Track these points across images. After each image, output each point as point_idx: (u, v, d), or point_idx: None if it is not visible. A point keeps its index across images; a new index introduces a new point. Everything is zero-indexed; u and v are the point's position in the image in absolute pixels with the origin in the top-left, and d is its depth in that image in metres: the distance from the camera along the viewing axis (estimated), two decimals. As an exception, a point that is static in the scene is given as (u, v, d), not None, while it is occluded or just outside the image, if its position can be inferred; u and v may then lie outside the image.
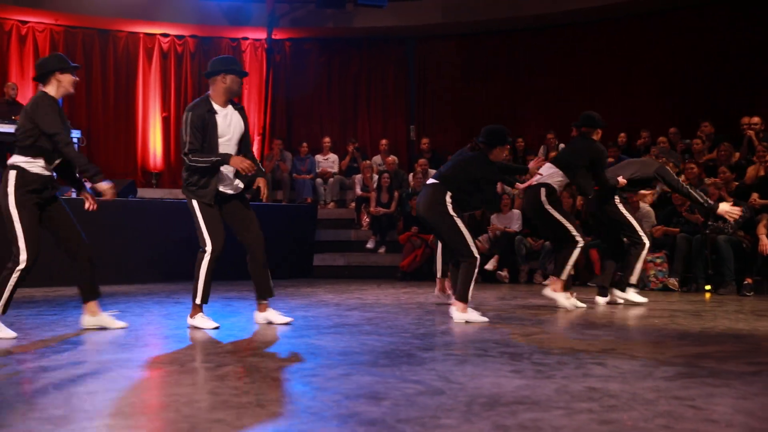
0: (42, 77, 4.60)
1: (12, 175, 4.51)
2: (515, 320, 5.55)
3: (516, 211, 9.99)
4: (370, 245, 11.06)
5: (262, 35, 13.57)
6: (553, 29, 12.98)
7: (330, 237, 11.40)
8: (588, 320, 5.60)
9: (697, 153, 10.06)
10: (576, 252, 6.31)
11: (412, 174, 11.73)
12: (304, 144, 12.89)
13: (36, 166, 4.56)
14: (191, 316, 4.97)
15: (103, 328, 4.81)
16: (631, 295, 6.78)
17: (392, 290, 8.28)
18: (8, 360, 3.75)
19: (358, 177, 12.06)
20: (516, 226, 9.83)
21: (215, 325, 4.93)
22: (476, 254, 5.33)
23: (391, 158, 12.16)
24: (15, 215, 4.47)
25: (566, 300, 6.32)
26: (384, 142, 12.82)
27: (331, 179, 12.45)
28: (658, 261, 8.48)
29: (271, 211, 10.66)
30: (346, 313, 6.02)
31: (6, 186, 4.49)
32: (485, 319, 5.35)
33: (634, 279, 6.75)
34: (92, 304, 4.83)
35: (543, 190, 6.28)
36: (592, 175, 6.43)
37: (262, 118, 13.60)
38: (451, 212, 5.31)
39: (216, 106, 4.88)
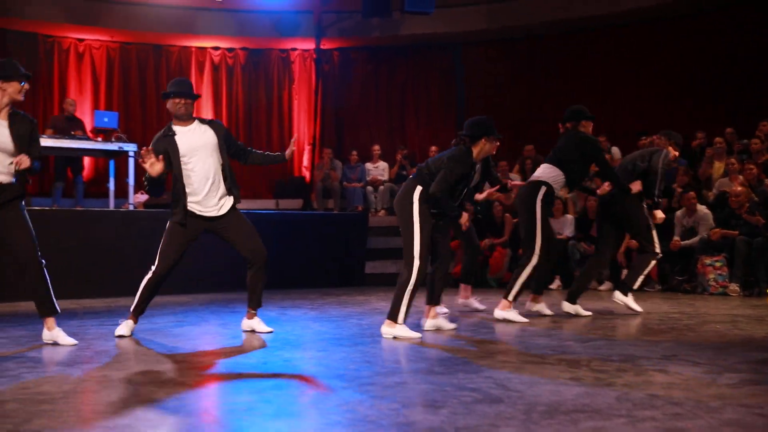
0: None
1: None
2: (571, 327, 5.48)
3: (569, 216, 9.86)
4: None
5: (310, 45, 13.71)
6: (605, 30, 12.81)
7: (381, 244, 11.41)
8: (646, 326, 5.49)
9: (755, 153, 9.80)
10: (529, 269, 5.84)
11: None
12: (354, 152, 12.95)
13: None
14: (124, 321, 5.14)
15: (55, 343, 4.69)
16: (630, 301, 6.43)
17: (444, 297, 8.22)
18: (74, 369, 3.85)
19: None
20: (568, 231, 9.71)
21: (126, 334, 5.01)
22: (418, 264, 4.84)
23: (441, 165, 12.11)
24: None
25: (516, 315, 5.84)
26: (433, 148, 12.78)
27: (382, 187, 12.48)
28: (718, 265, 8.27)
29: (322, 220, 10.74)
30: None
31: None
32: (417, 335, 4.89)
33: (636, 285, 6.43)
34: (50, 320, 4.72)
35: (543, 189, 5.95)
36: (590, 168, 6.29)
37: (311, 128, 13.72)
38: (415, 209, 4.89)
39: (176, 128, 4.97)
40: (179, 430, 2.67)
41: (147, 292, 5.06)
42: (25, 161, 4.38)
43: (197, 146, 4.94)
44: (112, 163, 10.58)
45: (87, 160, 12.10)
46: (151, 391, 3.26)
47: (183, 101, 4.95)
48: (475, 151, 5.12)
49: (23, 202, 4.64)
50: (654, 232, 6.32)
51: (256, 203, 12.69)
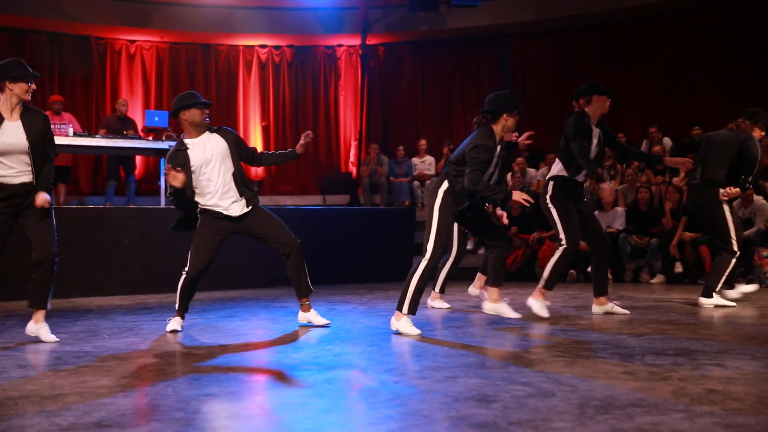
0: None
1: None
2: (624, 321, 5.39)
3: (619, 209, 9.70)
4: (469, 246, 10.98)
5: (356, 41, 13.73)
6: (654, 19, 12.56)
7: (429, 239, 11.38)
8: (701, 320, 5.37)
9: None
10: (557, 256, 5.55)
11: (510, 173, 11.59)
12: (401, 147, 12.94)
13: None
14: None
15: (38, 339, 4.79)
16: (719, 300, 6.13)
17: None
18: (130, 363, 3.93)
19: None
20: (619, 224, 9.55)
21: (177, 329, 5.15)
22: (429, 256, 4.80)
23: (488, 158, 12.03)
24: None
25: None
26: (480, 142, 12.72)
27: (428, 181, 12.45)
28: (775, 256, 8.05)
29: (369, 215, 10.77)
30: (449, 314, 6.00)
31: None
32: (417, 331, 4.80)
33: (718, 287, 6.10)
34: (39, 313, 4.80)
35: (551, 184, 5.66)
36: (603, 151, 5.98)
37: (358, 123, 13.76)
38: (437, 204, 4.89)
39: (188, 142, 5.06)
40: (232, 425, 2.71)
41: (183, 294, 5.17)
42: (44, 202, 4.58)
43: (209, 156, 5.02)
44: (162, 162, 10.76)
45: (138, 159, 12.35)
46: (204, 386, 3.31)
47: (207, 111, 5.10)
48: (497, 128, 4.97)
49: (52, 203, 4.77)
50: (732, 229, 6.00)
51: (304, 199, 12.79)
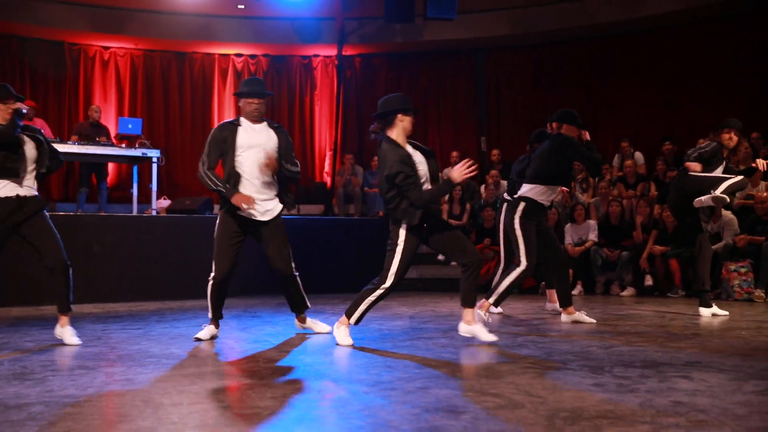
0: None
1: None
2: (594, 333, 5.44)
3: (591, 222, 9.79)
4: (441, 257, 11.02)
5: (332, 52, 13.76)
6: (623, 37, 12.75)
7: (402, 250, 11.39)
8: (670, 332, 5.43)
9: (781, 158, 9.67)
10: (514, 275, 5.80)
11: (483, 186, 11.66)
12: (376, 158, 12.96)
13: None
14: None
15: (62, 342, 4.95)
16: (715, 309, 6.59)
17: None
18: (98, 372, 3.89)
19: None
20: (592, 236, 9.64)
21: (203, 338, 5.13)
22: (391, 285, 4.80)
23: (462, 170, 12.09)
24: None
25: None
26: (455, 154, 12.78)
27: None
28: (743, 270, 8.17)
29: (343, 225, 10.76)
30: (421, 325, 6.01)
31: None
32: (349, 342, 4.83)
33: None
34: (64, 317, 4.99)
35: (522, 205, 5.86)
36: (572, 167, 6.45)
37: (333, 134, 13.76)
38: (402, 239, 4.76)
39: (243, 121, 5.09)
40: (202, 434, 2.69)
41: (213, 299, 5.15)
42: None
43: (255, 143, 4.99)
44: (135, 169, 10.68)
45: (111, 166, 12.24)
46: (173, 395, 3.28)
47: (256, 101, 5.05)
48: (395, 133, 4.74)
49: (46, 211, 4.96)
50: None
51: (278, 209, 12.72)
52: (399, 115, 4.77)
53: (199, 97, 13.72)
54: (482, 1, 12.83)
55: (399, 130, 4.77)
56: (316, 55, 14.14)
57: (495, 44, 13.57)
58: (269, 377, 3.76)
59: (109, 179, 11.95)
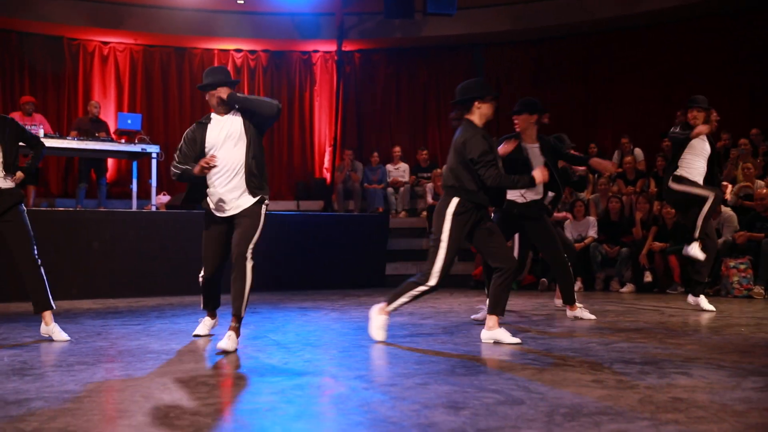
0: None
1: None
2: (593, 329, 5.44)
3: (591, 218, 9.79)
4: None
5: (332, 47, 13.74)
6: (623, 32, 12.73)
7: (402, 246, 11.41)
8: (669, 329, 5.44)
9: (781, 154, 9.69)
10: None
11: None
12: (375, 154, 12.97)
13: None
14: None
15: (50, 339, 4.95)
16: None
17: (465, 299, 8.23)
18: (97, 368, 3.89)
19: (429, 186, 12.06)
20: (592, 232, 9.65)
21: (201, 333, 5.13)
22: (437, 283, 4.65)
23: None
24: None
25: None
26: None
27: (402, 188, 12.48)
28: (742, 267, 8.18)
29: (343, 221, 10.76)
30: (420, 321, 6.01)
31: None
32: (380, 336, 4.76)
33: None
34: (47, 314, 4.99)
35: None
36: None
37: (332, 129, 13.76)
38: (447, 228, 4.66)
39: (213, 116, 4.81)
40: (201, 430, 2.69)
41: (204, 294, 5.04)
42: (19, 177, 4.93)
43: (222, 137, 4.66)
44: (135, 165, 10.68)
45: (110, 162, 12.23)
46: (172, 391, 3.28)
47: (209, 93, 4.75)
48: (474, 119, 4.73)
49: (23, 205, 4.96)
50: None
51: (278, 205, 12.74)
52: (476, 102, 4.72)
53: (198, 93, 13.65)
54: (482, -4, 12.83)
55: (477, 117, 4.74)
56: (316, 51, 14.12)
57: (494, 40, 13.54)
58: (268, 373, 3.76)
59: (108, 175, 11.94)
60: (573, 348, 4.46)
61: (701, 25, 12.08)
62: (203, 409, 2.98)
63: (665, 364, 3.82)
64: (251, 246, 4.55)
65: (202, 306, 5.16)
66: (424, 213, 11.93)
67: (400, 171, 12.79)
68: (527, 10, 12.80)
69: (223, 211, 4.69)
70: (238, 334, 4.52)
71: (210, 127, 4.74)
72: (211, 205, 4.74)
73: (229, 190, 4.65)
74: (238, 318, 4.54)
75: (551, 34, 13.13)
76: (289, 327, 5.67)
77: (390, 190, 12.48)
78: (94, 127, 10.95)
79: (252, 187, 4.64)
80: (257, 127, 4.71)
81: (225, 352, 4.36)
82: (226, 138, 4.67)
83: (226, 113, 4.75)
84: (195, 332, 5.14)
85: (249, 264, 4.51)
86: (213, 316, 5.21)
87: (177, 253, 8.70)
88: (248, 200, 4.65)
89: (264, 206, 4.69)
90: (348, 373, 3.70)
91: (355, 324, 5.83)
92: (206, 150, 4.69)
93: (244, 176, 4.64)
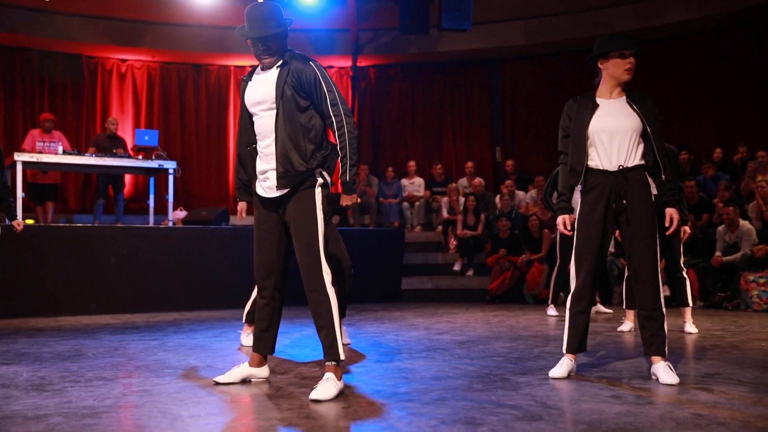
0: None
1: None
2: (611, 344, 5.40)
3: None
4: (457, 268, 11.01)
5: (347, 63, 13.81)
6: (639, 45, 12.65)
7: (418, 260, 11.40)
8: (688, 344, 5.39)
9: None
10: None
11: (498, 196, 11.64)
12: (390, 168, 12.99)
13: None
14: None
15: None
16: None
17: (481, 313, 8.20)
18: (115, 383, 3.91)
19: (445, 200, 12.06)
20: (610, 246, 9.58)
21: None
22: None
23: (477, 180, 12.10)
24: None
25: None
26: (469, 164, 12.79)
27: (417, 203, 12.49)
28: (762, 281, 8.09)
29: (358, 236, 10.77)
30: (436, 336, 5.99)
31: None
32: None
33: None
34: None
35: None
36: None
37: (348, 144, 13.78)
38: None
39: (258, 71, 3.98)
40: (219, 445, 2.69)
41: (256, 317, 4.05)
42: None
43: (257, 99, 3.81)
44: (152, 181, 10.75)
45: (128, 178, 12.33)
46: (190, 407, 3.28)
47: (253, 44, 3.91)
48: (601, 83, 4.10)
49: None
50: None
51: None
52: (599, 61, 4.09)
53: (214, 109, 13.80)
54: (497, 11, 12.83)
55: (604, 79, 4.11)
56: (331, 66, 14.19)
57: (510, 54, 13.56)
58: (286, 388, 3.76)
59: (125, 191, 12.04)
60: (590, 363, 4.43)
61: (720, 37, 12.02)
62: (221, 424, 2.98)
63: (685, 380, 3.78)
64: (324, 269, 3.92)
65: (245, 316, 5.47)
66: (440, 227, 11.92)
67: (415, 185, 12.80)
68: (542, 25, 12.81)
69: (267, 187, 3.80)
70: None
71: (250, 86, 3.92)
72: (259, 183, 3.89)
73: (264, 163, 3.85)
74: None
75: (568, 47, 13.12)
76: (305, 342, 5.67)
77: (405, 204, 12.49)
78: (112, 144, 11.05)
79: (282, 163, 3.73)
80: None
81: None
82: (260, 99, 3.86)
83: (272, 68, 3.90)
84: (242, 343, 5.44)
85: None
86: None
87: (194, 268, 8.74)
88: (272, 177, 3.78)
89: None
90: (365, 389, 3.69)
91: (371, 339, 5.82)
92: (249, 115, 3.86)
93: (275, 148, 3.76)
